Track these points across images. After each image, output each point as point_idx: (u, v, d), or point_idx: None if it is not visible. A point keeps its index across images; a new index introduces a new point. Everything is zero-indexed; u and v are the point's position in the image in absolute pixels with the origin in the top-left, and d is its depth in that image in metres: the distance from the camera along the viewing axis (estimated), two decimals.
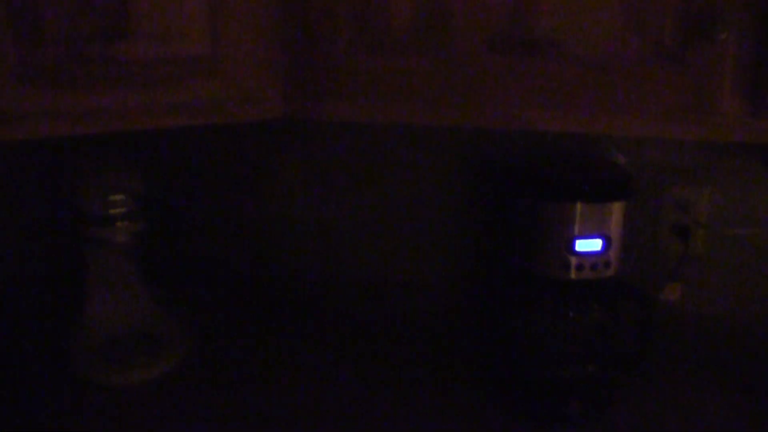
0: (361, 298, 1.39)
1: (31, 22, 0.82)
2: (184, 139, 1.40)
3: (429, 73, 0.92)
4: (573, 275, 1.07)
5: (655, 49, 0.87)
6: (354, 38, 0.93)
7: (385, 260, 1.38)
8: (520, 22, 0.89)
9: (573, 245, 1.06)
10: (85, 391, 1.13)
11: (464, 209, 1.32)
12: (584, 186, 1.06)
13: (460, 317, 1.35)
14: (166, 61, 0.90)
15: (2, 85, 0.82)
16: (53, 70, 0.85)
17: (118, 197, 1.16)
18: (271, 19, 0.93)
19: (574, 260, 1.06)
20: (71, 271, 1.24)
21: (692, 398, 1.15)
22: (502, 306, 1.24)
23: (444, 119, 0.95)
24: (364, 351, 1.27)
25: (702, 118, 0.87)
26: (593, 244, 1.06)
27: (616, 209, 1.07)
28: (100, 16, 0.85)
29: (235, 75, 0.94)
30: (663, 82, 0.87)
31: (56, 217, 1.31)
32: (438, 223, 1.34)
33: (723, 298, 1.27)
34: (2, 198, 1.36)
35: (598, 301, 1.12)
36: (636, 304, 1.09)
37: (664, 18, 0.86)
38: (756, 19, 0.83)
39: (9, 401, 1.09)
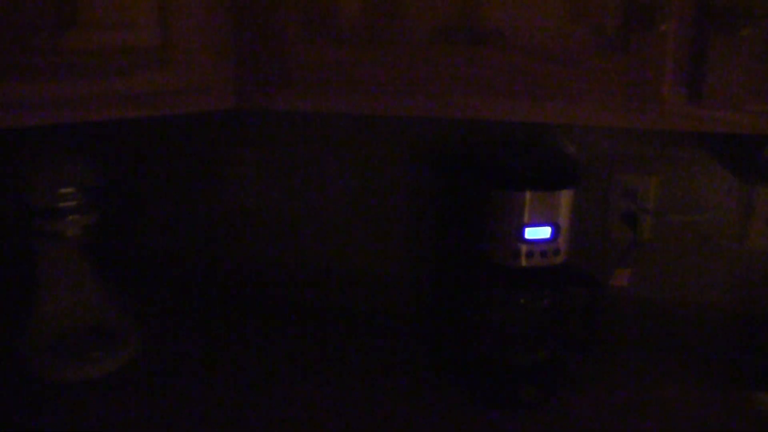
0: (320, 288, 1.39)
1: None
2: (136, 131, 1.39)
3: (378, 64, 0.94)
4: (523, 263, 1.09)
5: (597, 38, 0.89)
6: (304, 29, 0.95)
7: (343, 250, 1.39)
8: (468, 12, 0.91)
9: (522, 233, 1.08)
10: (37, 387, 1.12)
11: (420, 198, 1.33)
12: (533, 175, 1.08)
13: (418, 305, 1.36)
14: (116, 51, 0.90)
15: None
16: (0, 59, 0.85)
17: (69, 190, 1.16)
18: (221, 9, 0.94)
19: (524, 248, 1.09)
20: (21, 266, 1.23)
21: (641, 380, 1.19)
22: (457, 294, 1.26)
23: (394, 109, 0.96)
24: (323, 340, 1.29)
25: (644, 106, 0.90)
26: (542, 232, 1.08)
27: (565, 197, 1.09)
28: (47, 5, 0.85)
29: (186, 65, 0.94)
30: (606, 72, 0.89)
31: (4, 211, 1.30)
32: (394, 212, 1.35)
33: (669, 282, 1.29)
34: None
35: (548, 288, 1.14)
36: (585, 290, 1.12)
37: (606, 8, 0.88)
38: (695, 8, 0.86)
39: None
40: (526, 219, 1.08)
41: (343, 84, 0.95)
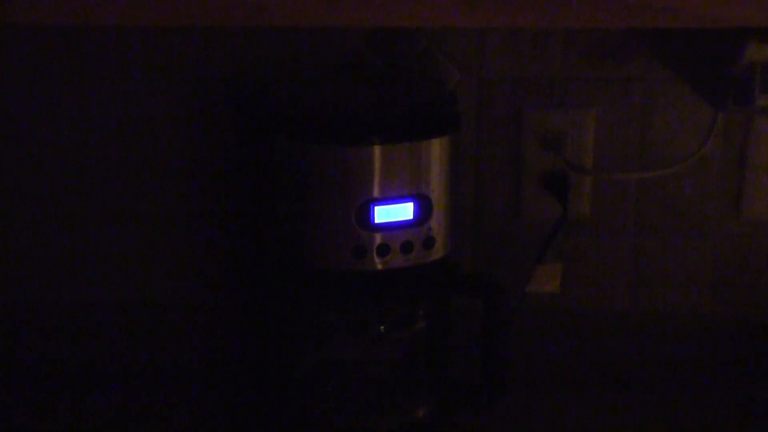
0: (68, 338, 1.20)
1: None
2: None
3: None
4: (377, 264, 0.92)
5: None
6: None
7: (95, 276, 1.18)
8: None
9: (370, 215, 0.90)
10: None
11: (212, 176, 1.13)
12: (380, 116, 0.91)
13: (224, 342, 1.21)
14: None
15: None
16: None
17: None
18: None
19: (374, 239, 0.91)
20: None
21: None
22: (273, 324, 1.12)
23: (154, 19, 0.72)
24: (79, 407, 1.13)
25: None
26: (400, 211, 0.91)
27: (435, 150, 0.92)
28: None
29: None
30: None
31: None
32: (171, 204, 1.15)
33: (621, 283, 1.15)
34: None
35: (420, 302, 0.99)
36: (481, 302, 0.96)
37: None
38: None
39: None
40: (374, 191, 0.89)
41: None
